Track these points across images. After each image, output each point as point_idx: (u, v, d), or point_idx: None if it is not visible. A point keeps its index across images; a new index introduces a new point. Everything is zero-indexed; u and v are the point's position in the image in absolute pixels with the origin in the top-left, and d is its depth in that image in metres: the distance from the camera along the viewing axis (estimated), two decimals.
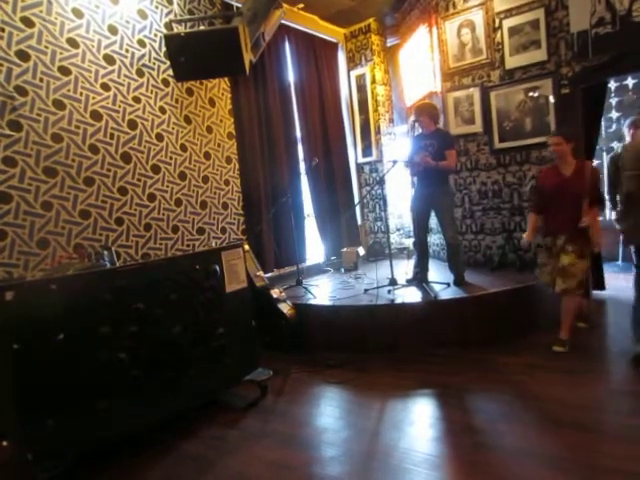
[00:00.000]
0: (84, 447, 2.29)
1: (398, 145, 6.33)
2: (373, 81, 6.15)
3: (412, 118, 4.44)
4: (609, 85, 5.58)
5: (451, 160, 3.96)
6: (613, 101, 5.91)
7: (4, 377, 2.06)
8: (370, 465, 2.21)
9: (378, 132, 6.18)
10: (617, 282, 4.62)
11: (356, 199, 6.23)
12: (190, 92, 4.18)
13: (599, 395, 2.66)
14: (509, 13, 4.45)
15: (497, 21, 4.53)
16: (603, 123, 5.49)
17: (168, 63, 3.77)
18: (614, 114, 5.88)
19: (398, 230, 6.44)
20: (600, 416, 2.39)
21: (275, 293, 3.89)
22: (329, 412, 2.88)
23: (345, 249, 5.64)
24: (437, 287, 4.01)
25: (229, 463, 2.36)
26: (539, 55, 4.33)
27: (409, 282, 4.21)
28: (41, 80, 3.13)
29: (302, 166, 5.46)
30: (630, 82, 5.76)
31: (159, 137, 3.89)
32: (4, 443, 2.07)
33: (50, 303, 2.17)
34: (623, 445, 2.11)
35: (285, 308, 3.81)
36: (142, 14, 3.81)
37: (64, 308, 2.21)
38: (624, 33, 3.83)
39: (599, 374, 2.95)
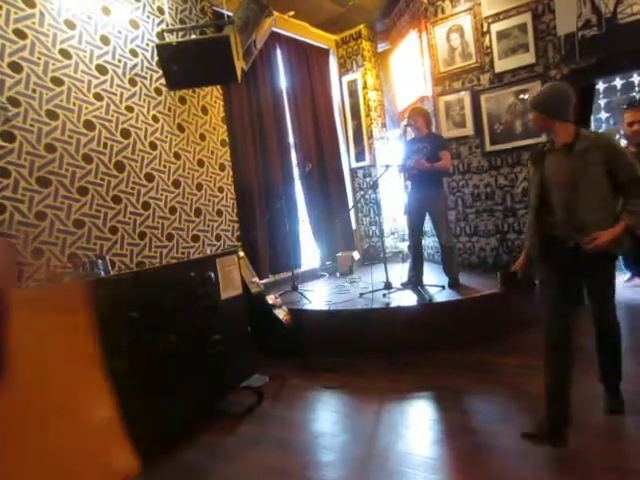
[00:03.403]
0: None
1: (391, 149, 6.37)
2: (365, 86, 6.19)
3: (404, 122, 4.47)
4: (597, 86, 5.64)
5: (446, 160, 3.98)
6: (602, 102, 5.98)
7: None
8: (367, 469, 2.21)
9: (371, 137, 6.22)
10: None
11: (350, 203, 6.25)
12: (183, 100, 4.20)
13: (595, 394, 2.67)
14: (497, 17, 4.51)
15: (485, 25, 4.59)
16: (592, 124, 5.55)
17: (160, 72, 3.78)
18: (603, 115, 5.95)
19: (393, 234, 6.47)
20: (596, 415, 2.40)
21: (271, 299, 3.90)
22: (326, 416, 2.89)
23: (340, 253, 5.65)
24: (432, 290, 4.03)
25: (226, 469, 2.35)
26: (528, 58, 4.39)
27: (404, 285, 4.22)
28: (34, 91, 3.14)
29: (296, 171, 5.49)
30: (618, 83, 5.83)
31: (152, 145, 3.90)
32: None
33: None
34: (619, 444, 2.13)
35: (281, 314, 3.81)
36: (134, 24, 3.84)
37: None
38: (610, 35, 3.89)
39: (594, 374, 2.96)
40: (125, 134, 3.69)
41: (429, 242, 5.48)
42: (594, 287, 2.31)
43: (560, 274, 2.23)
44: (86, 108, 3.44)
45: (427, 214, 4.16)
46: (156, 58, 3.81)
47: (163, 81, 3.82)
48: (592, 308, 2.34)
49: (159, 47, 3.58)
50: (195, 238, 4.21)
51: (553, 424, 2.16)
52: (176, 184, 4.08)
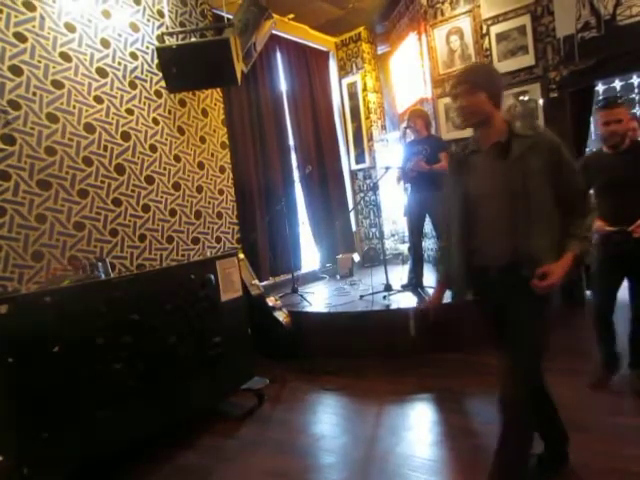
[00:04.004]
0: (80, 460, 2.27)
1: (391, 151, 6.37)
2: (365, 88, 6.20)
3: (403, 125, 4.48)
4: (597, 88, 5.65)
5: (445, 162, 3.97)
6: None
7: None
8: (368, 471, 2.21)
9: (371, 139, 6.23)
10: None
11: (350, 205, 6.26)
12: (183, 103, 4.20)
13: (594, 395, 2.67)
14: (496, 20, 4.51)
15: (485, 28, 4.59)
16: (592, 125, 5.55)
17: (160, 75, 3.79)
18: None
19: (393, 236, 6.47)
20: (595, 416, 2.40)
21: (271, 301, 3.90)
22: (326, 419, 2.88)
23: (340, 256, 5.65)
24: (432, 291, 4.02)
25: (226, 472, 2.35)
26: (527, 60, 4.39)
27: (404, 287, 4.22)
28: (34, 94, 3.15)
29: (296, 174, 5.49)
30: (617, 84, 5.84)
31: (153, 148, 3.91)
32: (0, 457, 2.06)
33: (45, 316, 2.17)
34: (618, 445, 2.12)
35: (281, 316, 3.81)
36: (134, 27, 3.85)
37: (59, 320, 2.21)
38: (609, 37, 3.90)
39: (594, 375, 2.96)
40: (125, 137, 3.70)
41: (429, 244, 5.48)
42: (511, 323, 1.69)
43: (494, 306, 1.80)
44: (86, 111, 3.45)
45: (427, 216, 4.16)
46: (156, 61, 3.82)
47: (163, 84, 3.83)
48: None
49: (159, 50, 3.59)
50: (195, 240, 4.21)
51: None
52: (176, 187, 4.08)
